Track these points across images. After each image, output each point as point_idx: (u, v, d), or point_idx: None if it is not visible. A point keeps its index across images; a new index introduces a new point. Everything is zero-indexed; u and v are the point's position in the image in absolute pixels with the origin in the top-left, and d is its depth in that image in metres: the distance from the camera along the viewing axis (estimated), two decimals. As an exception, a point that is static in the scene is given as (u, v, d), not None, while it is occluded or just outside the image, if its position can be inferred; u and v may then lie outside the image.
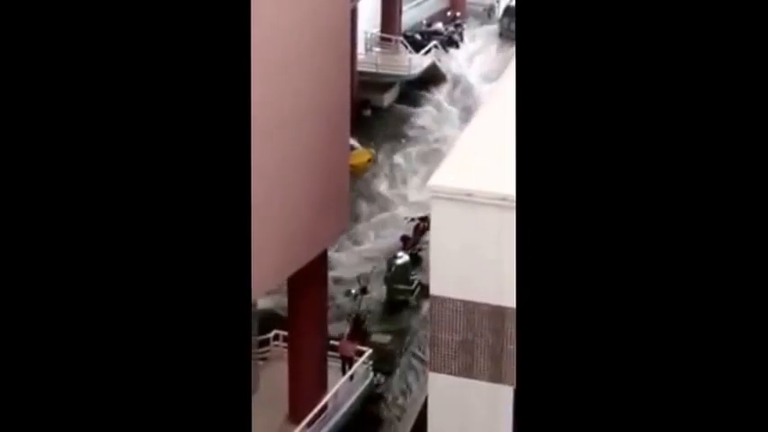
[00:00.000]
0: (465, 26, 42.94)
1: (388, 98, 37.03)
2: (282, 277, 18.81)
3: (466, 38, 42.42)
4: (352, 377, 21.42)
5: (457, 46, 41.49)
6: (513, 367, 14.21)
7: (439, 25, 41.76)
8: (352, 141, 27.05)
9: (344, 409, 20.79)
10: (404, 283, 25.53)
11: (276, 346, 22.10)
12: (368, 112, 35.49)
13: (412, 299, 25.54)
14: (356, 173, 28.88)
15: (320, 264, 19.50)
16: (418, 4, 43.27)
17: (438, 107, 36.93)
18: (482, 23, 44.99)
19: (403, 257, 25.86)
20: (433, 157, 30.70)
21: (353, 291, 24.56)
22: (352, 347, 21.68)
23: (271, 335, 22.13)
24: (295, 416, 19.86)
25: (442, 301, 15.09)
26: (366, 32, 37.64)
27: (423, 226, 27.02)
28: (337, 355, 21.41)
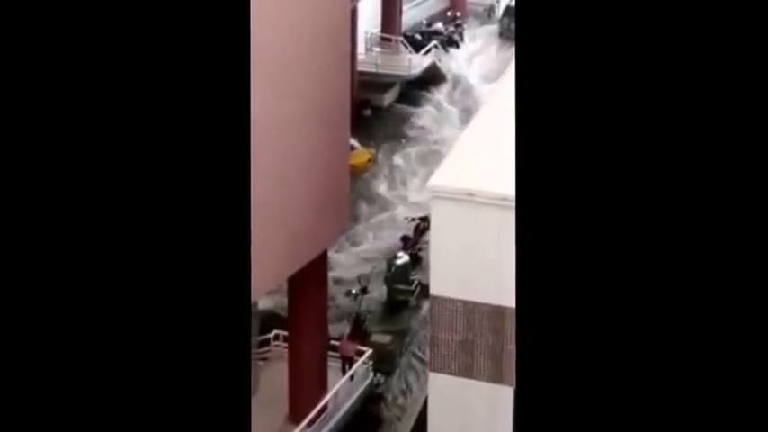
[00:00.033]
0: (465, 26, 42.96)
1: (389, 98, 37.05)
2: (282, 277, 18.82)
3: (466, 38, 42.44)
4: (352, 377, 21.42)
5: (457, 46, 41.51)
6: (513, 367, 14.21)
7: (439, 25, 41.78)
8: (353, 141, 27.06)
9: (344, 409, 20.80)
10: (404, 284, 25.53)
11: (276, 346, 22.11)
12: (368, 112, 35.51)
13: (412, 299, 25.54)
14: (356, 173, 28.88)
15: (320, 264, 19.50)
16: (418, 4, 43.29)
17: (438, 107, 36.96)
18: (482, 23, 45.01)
19: (403, 257, 25.86)
20: (432, 159, 30.71)
21: (354, 291, 24.58)
22: (352, 347, 21.68)
23: (271, 335, 22.13)
24: (295, 416, 19.87)
25: (442, 301, 15.09)
26: (366, 32, 37.66)
27: (423, 226, 27.02)
28: (337, 355, 21.42)
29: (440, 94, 37.83)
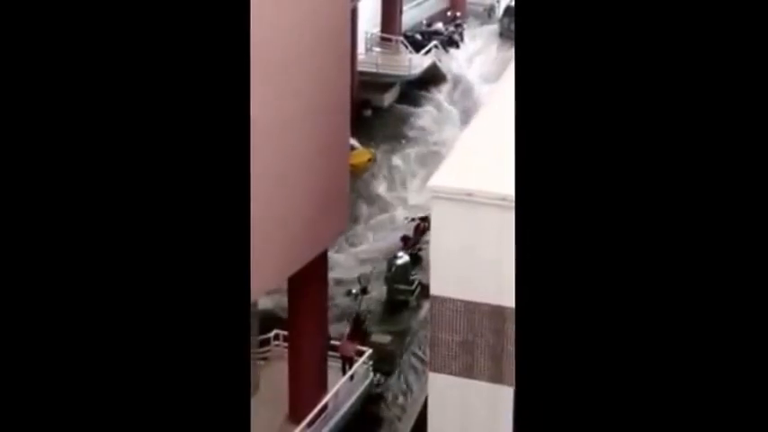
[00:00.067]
0: (465, 26, 42.97)
1: (389, 98, 37.06)
2: (282, 277, 18.82)
3: (466, 38, 42.46)
4: (352, 377, 21.42)
5: (457, 46, 41.52)
6: (513, 367, 14.21)
7: (439, 25, 41.79)
8: (353, 141, 27.07)
9: (344, 409, 20.80)
10: (404, 284, 25.55)
11: (276, 346, 22.11)
12: (368, 112, 35.53)
13: (412, 299, 25.55)
14: (356, 173, 28.90)
15: (320, 264, 19.50)
16: (418, 4, 43.30)
17: (438, 107, 36.98)
18: (482, 23, 45.03)
19: (403, 257, 25.87)
20: (432, 160, 30.72)
21: (354, 291, 24.59)
22: (352, 347, 21.68)
23: (271, 335, 22.14)
24: (295, 416, 19.87)
25: (443, 301, 15.10)
26: (366, 32, 37.67)
27: (423, 226, 27.04)
28: (337, 355, 21.42)
29: (440, 94, 37.86)
